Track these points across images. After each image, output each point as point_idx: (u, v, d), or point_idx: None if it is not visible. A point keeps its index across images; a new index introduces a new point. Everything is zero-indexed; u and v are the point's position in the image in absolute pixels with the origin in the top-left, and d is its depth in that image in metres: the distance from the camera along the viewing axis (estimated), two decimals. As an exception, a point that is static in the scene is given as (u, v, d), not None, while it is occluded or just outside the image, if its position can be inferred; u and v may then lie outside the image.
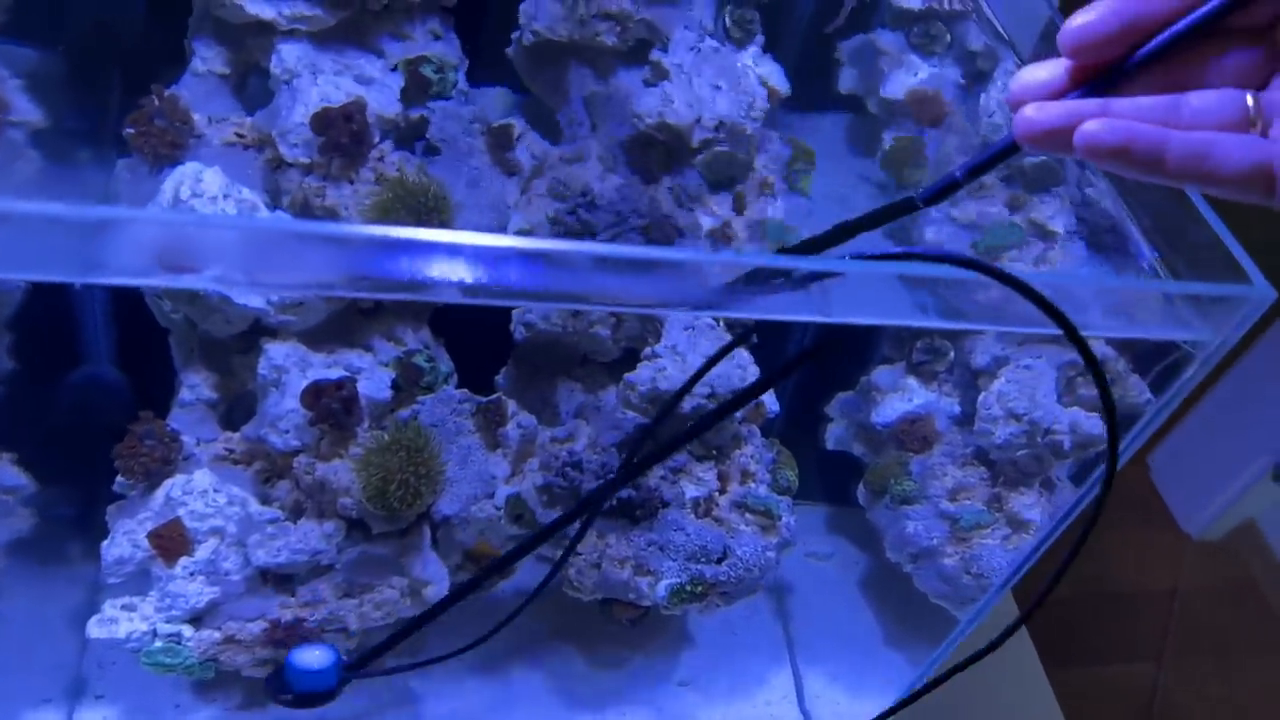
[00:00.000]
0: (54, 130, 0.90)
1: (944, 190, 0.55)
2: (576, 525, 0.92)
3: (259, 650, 0.91)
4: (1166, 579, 1.88)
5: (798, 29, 1.22)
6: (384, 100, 0.94)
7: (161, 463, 0.90)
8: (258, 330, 0.92)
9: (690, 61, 1.05)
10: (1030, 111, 0.48)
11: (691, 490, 1.03)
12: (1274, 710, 1.72)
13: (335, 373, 0.90)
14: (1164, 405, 0.76)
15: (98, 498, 0.93)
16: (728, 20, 1.12)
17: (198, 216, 0.79)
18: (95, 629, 0.88)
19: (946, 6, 1.19)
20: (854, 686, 1.18)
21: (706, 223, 1.06)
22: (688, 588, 1.00)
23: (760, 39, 1.13)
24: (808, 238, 0.62)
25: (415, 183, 0.89)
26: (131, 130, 0.87)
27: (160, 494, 0.90)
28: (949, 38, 1.22)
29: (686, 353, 1.00)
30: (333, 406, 0.88)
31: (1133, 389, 0.97)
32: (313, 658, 0.85)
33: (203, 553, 0.89)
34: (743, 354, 1.02)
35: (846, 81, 1.27)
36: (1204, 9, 0.47)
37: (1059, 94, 0.48)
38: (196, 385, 0.95)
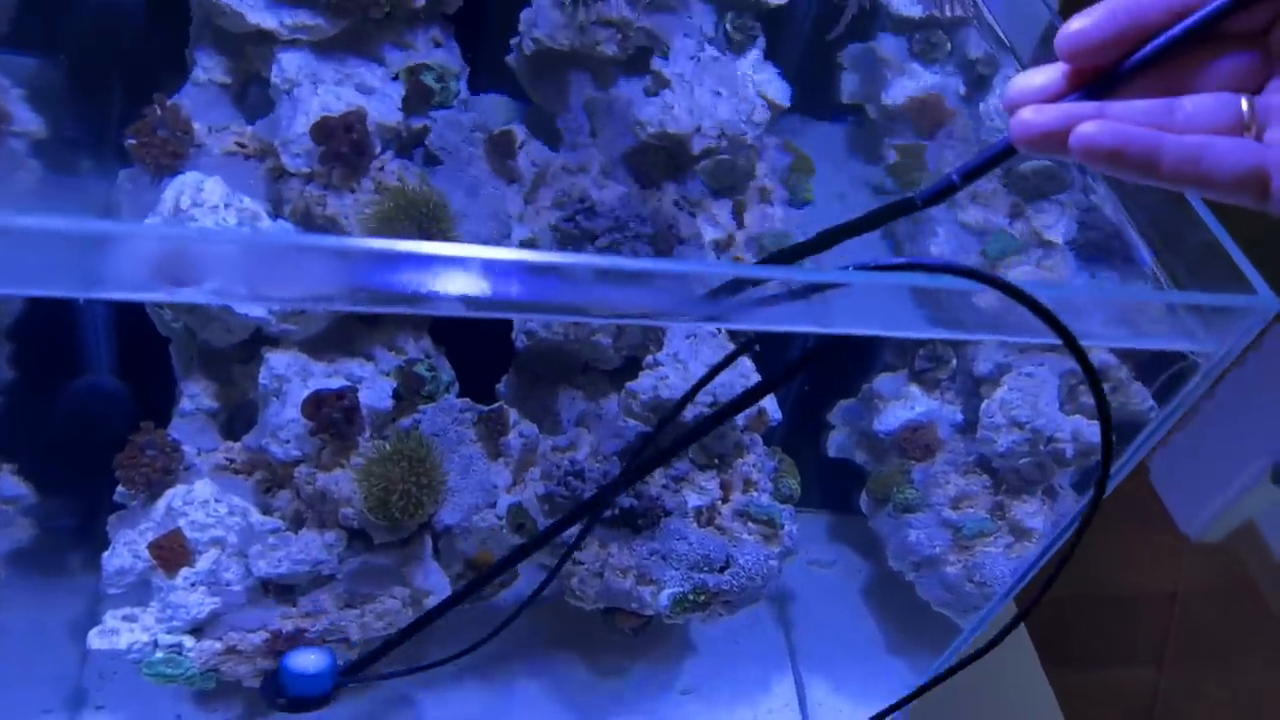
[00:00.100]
0: (55, 140, 0.90)
1: (942, 193, 0.55)
2: (576, 533, 0.92)
3: (260, 661, 0.91)
4: (1166, 581, 1.88)
5: (798, 36, 1.22)
6: (385, 109, 0.94)
7: (162, 473, 0.90)
8: (259, 339, 0.92)
9: (691, 70, 1.05)
10: (1027, 114, 0.48)
11: (694, 499, 1.03)
12: (1274, 711, 1.72)
13: (336, 382, 0.90)
14: (1168, 415, 0.76)
15: (98, 508, 0.92)
16: (728, 28, 1.12)
17: (198, 230, 0.79)
18: (96, 640, 0.88)
19: (948, 14, 1.19)
20: (856, 694, 1.18)
21: (708, 230, 1.06)
22: (690, 597, 1.00)
23: (760, 46, 1.13)
24: (808, 238, 0.62)
25: (416, 192, 0.89)
26: (133, 140, 0.87)
27: (161, 504, 0.89)
28: (949, 45, 1.22)
29: (688, 361, 1.00)
30: (334, 416, 0.87)
31: (1135, 396, 0.97)
32: (308, 661, 0.85)
33: (204, 563, 0.89)
34: (745, 362, 1.02)
35: (847, 89, 1.27)
36: (1199, 14, 0.47)
37: (1056, 98, 0.49)
38: (197, 395, 0.95)
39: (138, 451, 0.89)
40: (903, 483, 1.13)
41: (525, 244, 0.97)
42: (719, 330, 1.03)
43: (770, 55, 1.13)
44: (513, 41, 1.07)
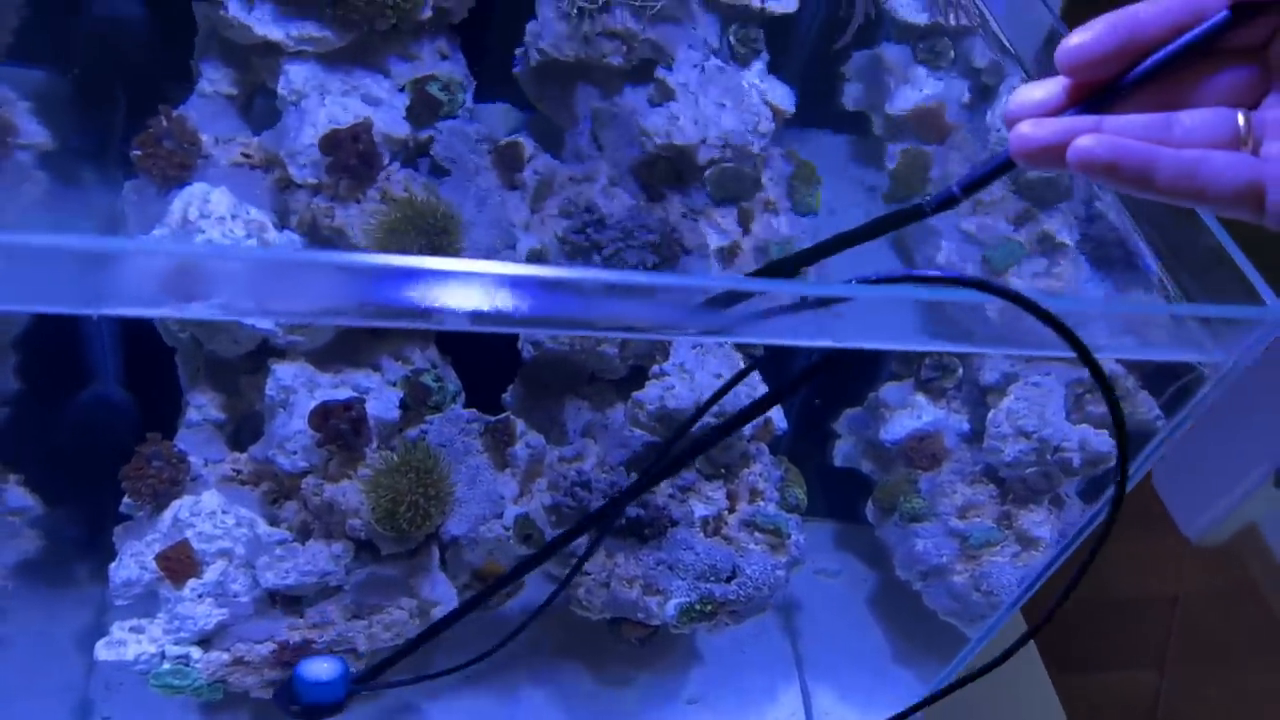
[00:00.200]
0: (61, 152, 0.90)
1: (942, 204, 0.56)
2: (584, 544, 0.92)
3: (267, 672, 0.91)
4: (1168, 584, 1.88)
5: (802, 46, 1.22)
6: (391, 120, 0.94)
7: (169, 484, 0.90)
8: (265, 350, 0.92)
9: (696, 80, 1.05)
10: (1026, 128, 0.48)
11: (700, 509, 1.02)
12: (1276, 714, 1.71)
13: (343, 393, 0.90)
14: (1176, 426, 0.76)
15: (104, 519, 0.92)
16: (732, 38, 1.12)
17: (206, 247, 0.79)
18: (103, 651, 0.88)
19: (952, 21, 1.19)
20: (863, 704, 1.18)
21: (714, 240, 1.06)
22: (697, 607, 0.99)
23: (764, 56, 1.13)
24: (813, 245, 0.62)
25: (424, 203, 0.89)
26: (139, 152, 0.87)
27: (168, 515, 0.89)
28: (954, 53, 1.22)
29: (695, 371, 1.00)
30: (341, 428, 0.87)
31: (1142, 406, 0.97)
32: (321, 670, 0.85)
33: (211, 574, 0.89)
34: (752, 373, 1.02)
35: (851, 97, 1.27)
36: (1198, 29, 0.47)
37: (1056, 112, 0.49)
38: (203, 405, 0.95)
39: (144, 463, 0.89)
40: (909, 492, 1.12)
41: (532, 254, 0.97)
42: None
43: (774, 65, 1.13)
44: (518, 52, 1.07)
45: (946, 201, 0.55)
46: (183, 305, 0.60)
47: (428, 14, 0.95)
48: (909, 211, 0.58)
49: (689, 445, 0.81)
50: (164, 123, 0.88)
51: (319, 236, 0.91)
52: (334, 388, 0.91)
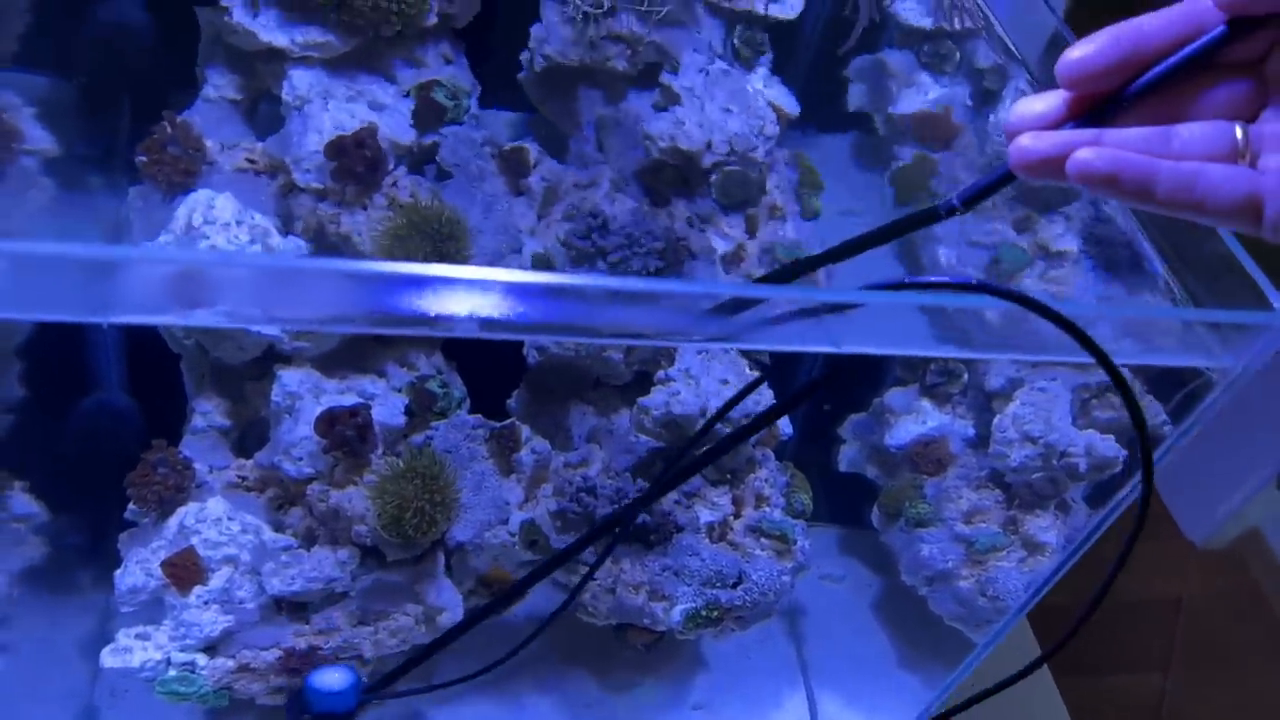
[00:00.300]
0: (66, 158, 0.90)
1: (948, 213, 0.56)
2: (593, 551, 0.91)
3: (273, 678, 0.91)
4: (1172, 588, 1.87)
5: (806, 49, 1.22)
6: (396, 126, 0.94)
7: (174, 491, 0.89)
8: (271, 356, 0.92)
9: (701, 84, 1.05)
10: (1026, 141, 0.49)
11: (706, 515, 1.02)
12: None
13: (349, 399, 0.90)
14: (1184, 432, 0.75)
15: (109, 526, 0.92)
16: (736, 42, 1.12)
17: (211, 254, 0.79)
18: (109, 658, 0.88)
19: (956, 25, 1.18)
20: (869, 709, 1.17)
21: (719, 245, 1.06)
22: (703, 613, 0.99)
23: (769, 60, 1.13)
24: (824, 250, 0.62)
25: (429, 209, 0.89)
26: (144, 158, 0.87)
27: (173, 522, 0.89)
28: (958, 56, 1.22)
29: (700, 376, 1.00)
30: (347, 434, 0.87)
31: (1148, 411, 0.97)
32: (333, 679, 0.85)
33: (217, 581, 0.89)
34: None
35: (856, 101, 1.27)
36: (1197, 44, 0.48)
37: (1056, 124, 0.49)
38: (209, 412, 0.95)
39: (149, 469, 0.89)
40: (915, 497, 1.12)
41: (538, 259, 0.96)
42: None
43: (778, 68, 1.13)
44: (523, 58, 1.07)
45: (950, 211, 0.56)
46: (188, 313, 0.60)
47: (432, 20, 0.95)
48: (923, 215, 0.58)
49: (699, 453, 0.81)
50: (169, 129, 0.88)
51: (324, 243, 0.91)
52: (340, 394, 0.91)
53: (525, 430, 0.98)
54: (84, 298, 0.55)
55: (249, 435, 0.97)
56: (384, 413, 0.91)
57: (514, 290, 0.56)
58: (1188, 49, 0.48)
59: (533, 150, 1.01)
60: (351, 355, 0.93)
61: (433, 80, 0.96)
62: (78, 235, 0.91)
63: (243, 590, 0.89)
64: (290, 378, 0.90)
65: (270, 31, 0.91)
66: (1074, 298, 1.09)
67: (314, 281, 0.57)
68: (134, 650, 0.88)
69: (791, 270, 0.67)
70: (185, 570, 0.88)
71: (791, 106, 1.11)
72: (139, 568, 0.88)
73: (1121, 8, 0.53)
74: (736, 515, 1.05)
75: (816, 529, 1.18)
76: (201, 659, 0.89)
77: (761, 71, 1.13)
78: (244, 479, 0.94)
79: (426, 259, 0.87)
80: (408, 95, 0.96)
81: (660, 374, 1.01)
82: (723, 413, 0.82)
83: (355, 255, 0.89)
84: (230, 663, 0.90)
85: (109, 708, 1.00)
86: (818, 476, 1.13)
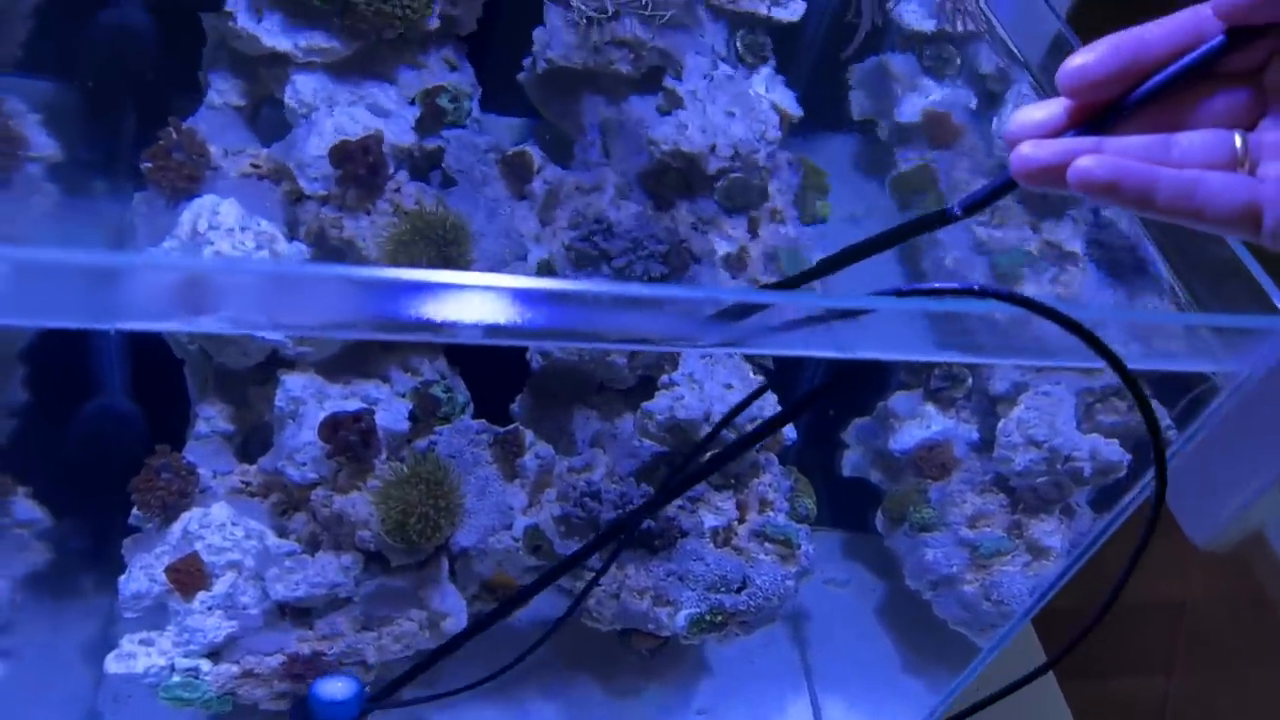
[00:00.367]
0: (71, 164, 0.90)
1: (943, 221, 0.57)
2: (598, 556, 0.91)
3: (277, 684, 0.91)
4: (1175, 590, 1.87)
5: (809, 53, 1.21)
6: (399, 130, 0.94)
7: (178, 496, 0.89)
8: (274, 361, 0.91)
9: (704, 88, 1.05)
10: (1027, 149, 0.49)
11: (710, 519, 1.02)
12: (1285, 721, 1.71)
13: (352, 404, 0.90)
14: (1190, 437, 0.75)
15: (113, 531, 0.92)
16: (739, 45, 1.12)
17: (215, 262, 0.78)
18: (113, 664, 0.88)
19: (959, 28, 1.18)
20: (873, 714, 1.17)
21: (722, 248, 1.06)
22: (707, 617, 0.99)
23: (772, 64, 1.13)
24: (829, 255, 0.62)
25: (433, 214, 0.88)
26: (149, 164, 0.87)
27: (177, 528, 0.89)
28: (960, 60, 1.22)
29: (704, 381, 1.00)
30: (351, 439, 0.87)
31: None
32: (336, 688, 0.85)
33: (220, 586, 0.89)
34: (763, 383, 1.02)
35: (858, 105, 1.27)
36: (1197, 52, 0.48)
37: (1056, 132, 0.50)
38: (212, 417, 0.95)
39: (153, 475, 0.89)
40: (919, 502, 1.12)
41: (541, 264, 0.96)
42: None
43: (781, 72, 1.13)
44: (525, 62, 1.07)
45: (950, 219, 0.56)
46: (192, 319, 0.60)
47: (435, 24, 0.95)
48: (925, 220, 0.59)
49: (705, 459, 0.81)
50: (174, 134, 0.88)
51: (328, 248, 0.91)
52: (343, 399, 0.91)
53: (529, 435, 0.98)
54: (88, 304, 0.55)
55: (252, 440, 0.96)
56: (388, 418, 0.91)
57: (520, 296, 0.56)
58: (1187, 58, 0.48)
59: (536, 154, 1.01)
60: (355, 360, 0.93)
61: (437, 85, 0.96)
62: (82, 241, 0.91)
63: (247, 596, 0.89)
64: (294, 383, 0.90)
65: (274, 36, 0.91)
66: (1080, 301, 1.08)
67: (318, 288, 0.57)
68: (138, 656, 0.88)
69: (797, 278, 0.67)
70: (189, 576, 0.88)
71: (795, 110, 1.11)
72: (143, 573, 0.88)
73: (1126, 6, 0.53)
74: (741, 520, 1.05)
75: (820, 533, 1.18)
76: (205, 665, 0.89)
77: (765, 74, 1.13)
78: (248, 484, 0.93)
79: (430, 264, 0.87)
80: (413, 102, 0.96)
81: (664, 378, 1.01)
82: (727, 420, 0.82)
83: (359, 261, 0.89)
84: (234, 668, 0.90)
85: (112, 713, 0.99)
86: (822, 481, 1.13)
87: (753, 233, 1.08)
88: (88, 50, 0.97)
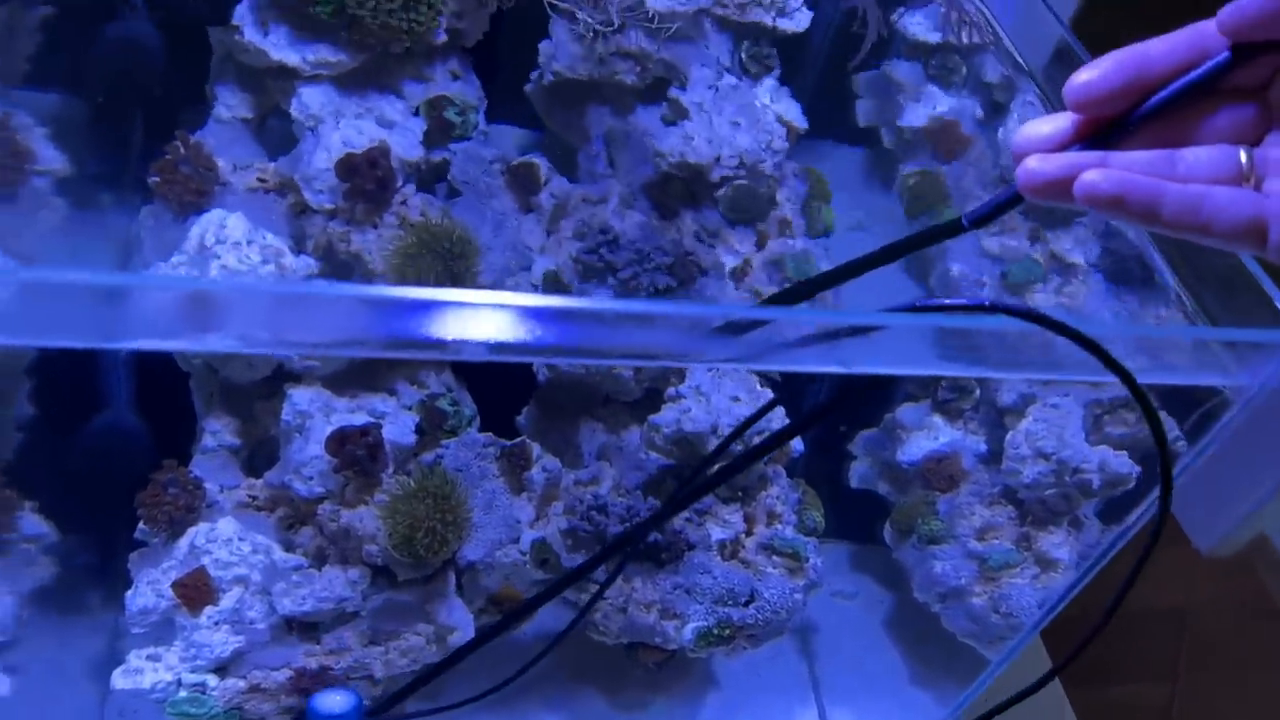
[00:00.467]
0: (78, 177, 0.90)
1: (950, 233, 0.57)
2: (602, 570, 0.91)
3: (284, 699, 0.91)
4: (1179, 596, 1.87)
5: (813, 63, 1.21)
6: (406, 143, 0.94)
7: (185, 511, 0.89)
8: (281, 375, 0.91)
9: (709, 99, 1.05)
10: (1033, 163, 0.49)
11: (718, 532, 1.02)
12: (1288, 725, 1.71)
13: (359, 418, 0.90)
14: (1200, 451, 0.75)
15: (119, 546, 0.92)
16: (744, 56, 1.12)
17: (220, 281, 0.78)
18: (120, 679, 0.88)
19: (964, 39, 1.18)
20: (880, 726, 1.17)
21: (728, 260, 1.05)
22: (715, 631, 0.99)
23: (776, 74, 1.13)
24: (835, 267, 0.62)
25: (440, 227, 0.88)
26: (157, 178, 0.87)
27: (184, 542, 0.89)
28: (965, 69, 1.22)
29: (710, 394, 0.99)
30: (358, 453, 0.87)
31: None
32: (334, 702, 0.84)
33: (227, 601, 0.88)
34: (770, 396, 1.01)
35: (863, 114, 1.27)
36: (1200, 70, 0.48)
37: (1062, 146, 0.50)
38: (218, 431, 0.94)
39: (160, 489, 0.89)
40: (927, 514, 1.12)
41: (548, 276, 0.96)
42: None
43: (786, 82, 1.13)
44: (532, 74, 1.07)
45: (956, 230, 0.56)
46: (199, 337, 0.60)
47: (441, 37, 0.95)
48: (932, 232, 0.59)
49: (711, 472, 0.81)
50: (181, 148, 0.88)
51: (335, 261, 0.91)
52: (350, 413, 0.91)
53: (536, 448, 0.98)
54: (95, 323, 0.55)
55: (259, 454, 0.96)
56: (395, 431, 0.91)
57: (527, 314, 0.55)
58: (1192, 74, 0.48)
59: (542, 166, 1.01)
60: (362, 374, 0.93)
61: (442, 96, 0.96)
62: (89, 255, 0.91)
63: (253, 610, 0.89)
64: (300, 396, 0.90)
65: (281, 49, 0.91)
66: (1087, 313, 1.08)
67: (325, 306, 0.57)
68: (145, 671, 0.88)
69: (802, 289, 0.67)
70: (196, 591, 0.87)
71: (799, 120, 1.11)
72: (149, 588, 0.88)
73: (1129, 13, 0.53)
74: (748, 533, 1.04)
75: (828, 546, 1.17)
76: (212, 680, 0.89)
77: (769, 84, 1.13)
78: (254, 498, 0.93)
79: (437, 277, 0.87)
80: (417, 113, 0.96)
81: (671, 391, 1.01)
82: (736, 434, 0.82)
83: (366, 274, 0.89)
84: (241, 683, 0.89)
85: (119, 728, 0.99)
86: (829, 493, 1.13)
87: (760, 244, 1.08)
88: (95, 64, 0.97)
